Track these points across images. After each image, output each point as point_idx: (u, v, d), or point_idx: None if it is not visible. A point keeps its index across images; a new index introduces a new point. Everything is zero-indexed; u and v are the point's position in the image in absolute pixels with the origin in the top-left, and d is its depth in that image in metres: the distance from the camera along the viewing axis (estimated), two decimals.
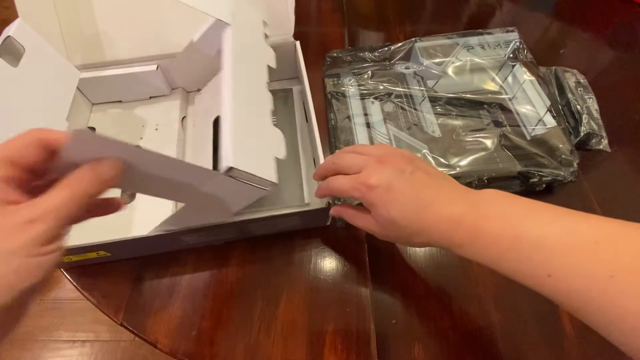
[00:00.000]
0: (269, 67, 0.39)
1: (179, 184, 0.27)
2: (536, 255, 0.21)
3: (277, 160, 0.32)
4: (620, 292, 0.18)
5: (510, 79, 0.50)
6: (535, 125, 0.45)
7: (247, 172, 0.27)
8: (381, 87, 0.50)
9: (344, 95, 0.49)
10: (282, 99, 0.49)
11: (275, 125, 0.46)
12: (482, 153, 0.43)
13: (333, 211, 0.34)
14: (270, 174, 0.29)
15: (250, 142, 0.30)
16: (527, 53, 0.52)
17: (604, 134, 0.45)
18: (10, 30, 0.33)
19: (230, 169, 0.27)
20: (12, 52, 0.33)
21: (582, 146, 0.45)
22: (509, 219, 0.23)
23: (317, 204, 0.36)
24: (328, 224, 0.40)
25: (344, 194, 0.30)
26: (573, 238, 0.20)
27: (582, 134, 0.44)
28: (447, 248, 0.26)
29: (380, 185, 0.26)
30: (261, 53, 0.39)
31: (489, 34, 0.54)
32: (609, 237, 0.20)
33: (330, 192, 0.32)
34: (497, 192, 0.26)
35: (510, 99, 0.48)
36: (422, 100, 0.48)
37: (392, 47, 0.53)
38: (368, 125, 0.46)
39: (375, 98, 0.49)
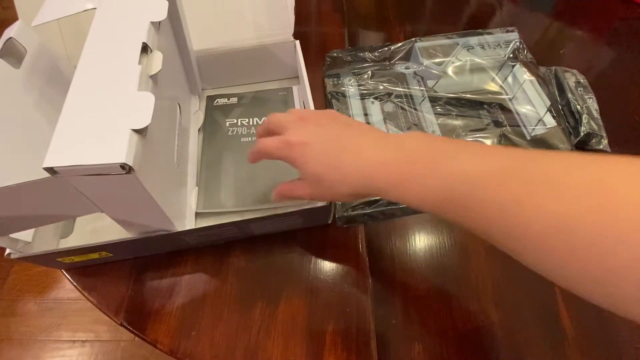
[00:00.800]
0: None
1: (35, 208, 0.26)
2: (455, 190, 0.22)
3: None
4: (525, 216, 0.19)
5: (510, 79, 0.50)
6: (535, 125, 0.45)
7: (76, 165, 0.23)
8: (381, 87, 0.50)
9: (344, 95, 0.49)
10: (282, 99, 0.49)
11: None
12: None
13: (275, 196, 0.33)
14: (116, 154, 0.23)
15: (89, 126, 0.25)
16: (527, 53, 0.52)
17: (604, 134, 0.45)
18: (12, 31, 0.33)
19: (51, 169, 0.23)
20: (14, 54, 0.33)
21: (582, 146, 0.45)
22: (431, 161, 0.24)
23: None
24: (329, 222, 0.40)
25: (269, 155, 0.30)
26: (486, 171, 0.22)
27: (582, 134, 0.44)
28: (373, 193, 0.26)
29: (300, 141, 0.27)
30: (140, 12, 0.32)
31: (489, 34, 0.54)
32: (518, 166, 0.21)
33: (258, 153, 0.31)
34: (420, 134, 0.26)
35: (510, 99, 0.48)
36: (422, 100, 0.49)
37: (392, 47, 0.53)
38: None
39: (375, 98, 0.49)
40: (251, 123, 0.47)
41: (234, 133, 0.46)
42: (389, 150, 0.25)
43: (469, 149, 0.24)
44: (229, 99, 0.49)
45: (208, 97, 0.50)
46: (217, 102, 0.49)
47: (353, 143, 0.26)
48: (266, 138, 0.30)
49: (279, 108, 0.48)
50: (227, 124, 0.47)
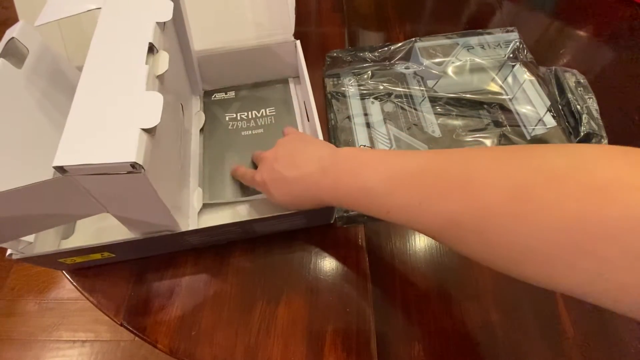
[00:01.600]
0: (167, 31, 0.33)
1: (42, 210, 0.26)
2: (375, 199, 0.27)
3: None
4: (426, 211, 0.24)
5: (510, 79, 0.50)
6: (535, 125, 0.45)
7: (86, 164, 0.23)
8: (381, 87, 0.50)
9: (344, 95, 0.49)
10: (278, 91, 0.50)
11: (273, 118, 0.46)
12: None
13: (232, 171, 0.42)
14: (126, 153, 0.24)
15: (98, 125, 0.25)
16: (527, 53, 0.52)
17: (604, 134, 0.45)
18: (14, 32, 0.33)
19: (61, 168, 0.23)
20: (16, 54, 0.33)
21: None
22: (355, 176, 0.29)
23: None
24: (332, 221, 0.40)
25: (251, 184, 0.39)
26: (394, 179, 0.26)
27: (582, 134, 0.44)
28: (323, 205, 0.33)
29: (261, 180, 0.35)
30: (145, 13, 0.32)
31: (489, 34, 0.54)
32: (419, 172, 0.25)
33: (243, 181, 0.40)
34: (349, 152, 0.31)
35: (510, 99, 0.48)
36: (422, 100, 0.49)
37: (392, 47, 0.53)
38: (368, 125, 0.46)
39: (375, 98, 0.49)
40: (250, 116, 0.47)
41: (235, 127, 0.46)
42: (322, 174, 0.30)
43: (374, 163, 0.28)
44: (226, 93, 0.50)
45: (205, 92, 0.50)
46: (215, 97, 0.49)
47: (295, 174, 0.32)
48: (250, 172, 0.38)
49: (276, 100, 0.48)
50: (227, 118, 0.47)
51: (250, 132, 0.46)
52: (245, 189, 0.41)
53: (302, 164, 0.32)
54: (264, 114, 0.47)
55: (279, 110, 0.48)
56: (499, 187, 0.20)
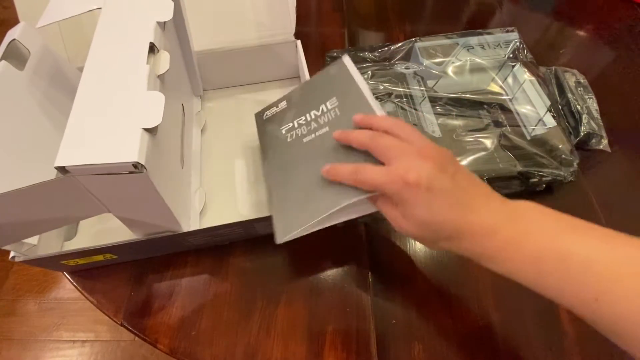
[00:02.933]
0: (157, 26, 0.32)
1: (49, 209, 0.27)
2: (583, 277, 0.21)
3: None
4: None
5: (510, 79, 0.50)
6: (535, 125, 0.45)
7: (88, 165, 0.23)
8: (381, 87, 0.50)
9: None
10: (333, 80, 0.40)
11: (337, 109, 0.37)
12: (482, 153, 0.43)
13: (328, 172, 0.29)
14: (128, 153, 0.23)
15: (100, 125, 0.25)
16: (527, 53, 0.52)
17: (604, 134, 0.45)
18: (15, 33, 0.33)
19: (62, 168, 0.24)
20: (17, 56, 0.33)
21: (582, 146, 0.45)
22: (553, 237, 0.22)
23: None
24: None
25: (375, 188, 0.26)
26: (624, 262, 0.20)
27: (582, 134, 0.44)
28: (476, 258, 0.25)
29: (421, 184, 0.24)
30: (145, 12, 0.32)
31: (489, 34, 0.54)
32: None
33: (357, 183, 0.27)
34: (534, 206, 0.24)
35: (510, 99, 0.48)
36: (422, 100, 0.48)
37: (392, 47, 0.53)
38: None
39: (376, 98, 0.49)
40: (309, 118, 0.38)
41: (294, 137, 0.38)
42: (501, 216, 0.24)
43: (588, 231, 0.22)
44: (277, 107, 0.42)
45: (256, 114, 0.43)
46: (267, 114, 0.42)
47: (472, 204, 0.25)
48: (372, 167, 0.27)
49: (334, 89, 0.39)
50: (284, 131, 0.39)
51: (312, 135, 0.37)
52: (325, 202, 0.32)
53: (473, 194, 0.25)
54: (324, 109, 0.38)
55: (342, 99, 0.38)
56: None
